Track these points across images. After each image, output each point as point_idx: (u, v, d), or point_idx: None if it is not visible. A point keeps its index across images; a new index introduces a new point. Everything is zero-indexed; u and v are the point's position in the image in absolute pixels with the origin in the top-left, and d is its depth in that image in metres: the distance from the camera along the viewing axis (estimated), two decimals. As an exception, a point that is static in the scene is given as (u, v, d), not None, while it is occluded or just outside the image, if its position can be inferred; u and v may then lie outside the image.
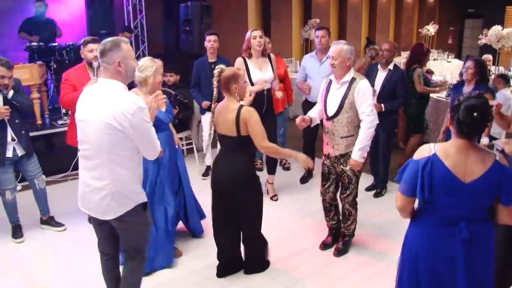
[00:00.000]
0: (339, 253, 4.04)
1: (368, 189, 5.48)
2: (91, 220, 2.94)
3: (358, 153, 3.71)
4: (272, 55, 5.22)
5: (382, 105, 4.99)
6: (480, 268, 2.34)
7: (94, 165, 2.65)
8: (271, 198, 5.20)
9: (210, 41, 5.43)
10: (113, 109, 2.50)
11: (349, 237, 4.09)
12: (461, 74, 4.67)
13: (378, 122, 3.75)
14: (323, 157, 4.02)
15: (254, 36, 4.83)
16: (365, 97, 3.65)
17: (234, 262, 3.76)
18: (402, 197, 2.41)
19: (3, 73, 3.93)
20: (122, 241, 2.91)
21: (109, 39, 2.63)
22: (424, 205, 2.37)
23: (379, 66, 5.25)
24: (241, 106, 3.34)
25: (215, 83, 3.42)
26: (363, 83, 3.67)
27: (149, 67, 3.61)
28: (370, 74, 5.28)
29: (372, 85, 5.15)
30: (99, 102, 2.57)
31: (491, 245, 2.36)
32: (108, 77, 2.62)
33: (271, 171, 5.29)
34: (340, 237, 4.13)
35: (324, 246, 4.17)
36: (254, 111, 3.32)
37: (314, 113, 4.02)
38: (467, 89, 4.51)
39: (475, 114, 2.15)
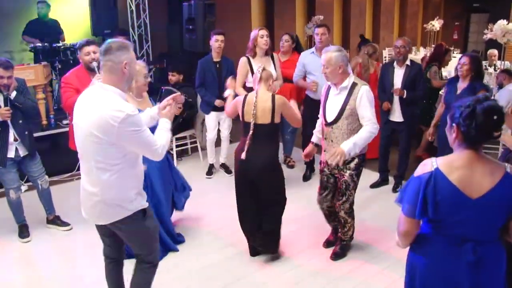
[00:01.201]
0: (336, 256, 3.99)
1: (373, 186, 5.48)
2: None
3: (350, 145, 3.48)
4: (275, 54, 5.23)
5: (405, 91, 5.05)
6: None
7: (86, 170, 2.64)
8: None
9: (218, 41, 5.42)
10: (99, 117, 2.44)
11: (347, 241, 4.03)
12: (456, 69, 4.65)
13: (379, 128, 3.71)
14: (321, 165, 3.92)
15: (262, 35, 4.87)
16: (368, 103, 3.57)
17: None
18: (408, 220, 2.12)
19: (0, 73, 3.94)
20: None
21: (115, 39, 2.59)
22: (428, 224, 2.14)
23: (395, 63, 5.24)
24: (273, 95, 3.72)
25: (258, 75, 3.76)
26: (365, 89, 3.57)
27: None
28: (386, 73, 5.30)
29: (391, 84, 5.17)
30: (89, 108, 2.53)
31: (501, 271, 2.14)
32: (107, 80, 2.54)
33: None
34: (338, 240, 4.08)
35: (328, 244, 4.18)
36: (284, 97, 3.79)
37: (317, 131, 4.00)
38: (461, 85, 4.48)
39: (495, 117, 1.95)
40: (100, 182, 2.57)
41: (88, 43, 4.32)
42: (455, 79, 4.62)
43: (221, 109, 5.43)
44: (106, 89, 2.52)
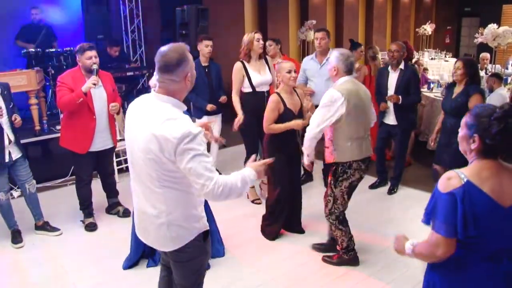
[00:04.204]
0: (326, 262, 3.97)
1: (372, 186, 5.54)
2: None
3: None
4: (268, 57, 5.24)
5: (400, 97, 5.06)
6: None
7: (144, 190, 2.33)
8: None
9: (208, 46, 5.43)
10: (157, 132, 2.13)
11: (341, 253, 3.90)
12: (452, 75, 4.67)
13: (314, 137, 3.63)
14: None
15: (258, 38, 4.86)
16: (320, 106, 3.57)
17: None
18: (447, 241, 1.92)
19: None
20: (175, 276, 2.55)
21: (171, 49, 2.23)
22: (461, 244, 1.94)
23: (389, 68, 5.28)
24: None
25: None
26: (327, 92, 3.57)
27: None
28: (381, 77, 5.35)
29: (386, 88, 5.21)
30: (144, 122, 2.22)
31: None
32: (165, 93, 2.24)
33: None
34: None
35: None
36: (273, 97, 4.09)
37: None
38: (458, 89, 4.47)
39: None
40: (166, 200, 2.27)
41: (90, 48, 4.39)
42: (453, 84, 4.63)
43: (212, 113, 5.44)
44: (163, 100, 2.23)
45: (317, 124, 3.55)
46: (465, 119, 2.01)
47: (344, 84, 3.55)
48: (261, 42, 4.88)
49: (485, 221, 1.89)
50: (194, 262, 2.47)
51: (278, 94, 4.12)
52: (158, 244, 2.42)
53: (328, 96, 3.51)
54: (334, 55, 3.59)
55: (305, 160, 3.78)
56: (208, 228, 2.46)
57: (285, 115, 4.07)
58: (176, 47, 2.24)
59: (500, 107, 1.91)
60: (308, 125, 3.70)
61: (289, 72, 4.04)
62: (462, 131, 2.03)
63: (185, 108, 2.33)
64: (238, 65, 4.90)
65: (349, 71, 3.59)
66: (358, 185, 3.80)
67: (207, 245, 2.50)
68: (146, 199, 2.34)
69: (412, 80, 5.17)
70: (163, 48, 2.24)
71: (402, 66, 5.20)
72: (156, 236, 2.37)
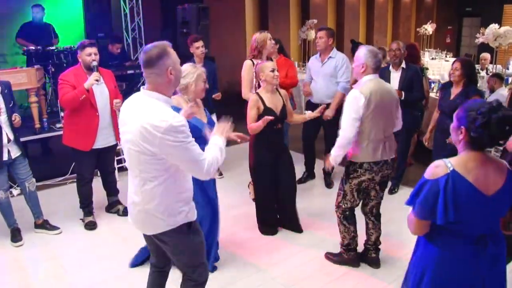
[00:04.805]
0: (328, 259, 3.97)
1: None
2: None
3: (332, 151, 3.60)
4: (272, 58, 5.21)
5: (402, 92, 4.98)
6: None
7: (131, 179, 2.53)
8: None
9: (199, 48, 5.43)
10: (141, 126, 2.28)
11: (341, 251, 3.90)
12: (449, 75, 4.63)
13: (348, 142, 3.52)
14: None
15: (270, 38, 4.85)
16: (345, 109, 3.47)
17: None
18: (420, 222, 2.16)
19: None
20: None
21: (152, 45, 2.37)
22: (445, 227, 2.12)
23: (390, 68, 5.24)
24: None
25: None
26: (350, 94, 3.51)
27: (190, 73, 3.45)
28: (382, 78, 5.27)
29: None
30: (132, 117, 2.37)
31: (505, 261, 2.26)
32: (152, 87, 2.38)
33: None
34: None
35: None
36: (252, 96, 4.15)
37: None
38: (455, 90, 4.44)
39: (507, 127, 2.01)
40: (143, 192, 2.45)
41: (91, 44, 4.40)
42: (449, 84, 4.60)
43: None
44: (151, 96, 2.37)
45: (348, 129, 3.43)
46: (457, 111, 2.16)
47: (368, 84, 3.44)
48: (273, 41, 4.88)
49: (467, 208, 2.05)
50: (178, 250, 2.64)
51: (257, 93, 4.12)
52: (140, 227, 2.62)
53: (351, 97, 3.44)
54: (363, 52, 3.48)
55: (328, 165, 3.70)
56: (191, 220, 2.59)
57: (265, 114, 4.04)
58: (157, 44, 2.39)
59: (488, 103, 2.06)
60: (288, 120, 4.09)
61: (272, 71, 4.04)
62: (453, 123, 2.18)
63: (172, 102, 2.47)
64: (248, 63, 4.84)
65: (377, 68, 3.50)
66: (374, 187, 3.69)
67: (192, 235, 2.63)
68: (133, 186, 2.54)
69: (415, 79, 5.13)
70: (146, 46, 2.40)
71: (403, 65, 5.18)
72: (137, 220, 2.59)
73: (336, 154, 3.56)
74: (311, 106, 5.28)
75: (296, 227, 4.47)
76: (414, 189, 2.18)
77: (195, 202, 2.70)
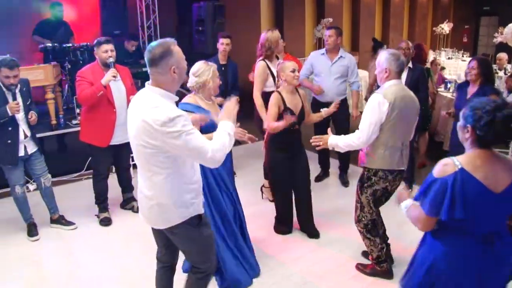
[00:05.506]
0: (359, 270, 3.82)
1: None
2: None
3: (334, 140, 3.49)
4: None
5: None
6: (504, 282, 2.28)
7: (141, 173, 2.56)
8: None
9: (223, 44, 5.39)
10: (143, 120, 2.32)
11: (374, 263, 3.72)
12: (466, 74, 4.57)
13: (363, 145, 3.44)
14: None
15: (280, 37, 4.86)
16: (366, 112, 3.35)
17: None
18: (428, 219, 2.19)
19: (6, 73, 3.99)
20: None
21: (156, 44, 2.40)
22: (453, 224, 2.15)
23: None
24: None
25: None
26: (373, 97, 3.36)
27: (206, 71, 3.44)
28: None
29: None
30: (136, 112, 2.41)
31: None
32: (156, 85, 2.41)
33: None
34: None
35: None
36: (274, 94, 4.10)
37: None
38: (471, 89, 4.38)
39: None
40: (154, 185, 2.48)
41: (107, 41, 4.44)
42: (465, 84, 4.54)
43: None
44: (154, 92, 2.41)
45: (367, 133, 3.32)
46: (463, 110, 2.18)
47: (392, 89, 3.30)
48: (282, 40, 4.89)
49: (475, 205, 2.08)
50: (189, 244, 2.68)
51: (279, 92, 4.10)
52: (153, 221, 2.64)
53: (373, 101, 3.30)
54: (384, 57, 3.34)
55: (323, 144, 3.55)
56: (200, 213, 2.64)
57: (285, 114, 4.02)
58: (161, 42, 2.42)
59: (493, 101, 2.09)
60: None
61: (293, 71, 4.02)
62: (460, 122, 2.20)
63: (176, 98, 2.49)
64: (263, 64, 4.81)
65: (400, 71, 3.38)
66: (388, 199, 3.62)
67: (202, 228, 2.67)
68: (143, 181, 2.57)
69: (421, 79, 5.07)
70: (151, 44, 2.43)
71: (410, 64, 5.12)
72: (149, 214, 2.60)
73: (339, 147, 3.47)
74: (319, 105, 5.13)
75: (312, 231, 4.38)
76: (422, 186, 2.22)
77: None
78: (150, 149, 2.37)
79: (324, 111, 4.29)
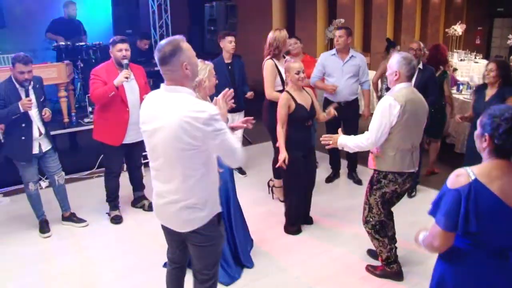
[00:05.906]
0: (369, 271, 3.80)
1: None
2: (162, 227, 2.73)
3: (344, 140, 3.49)
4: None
5: None
6: None
7: (167, 177, 2.46)
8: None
9: (231, 42, 5.40)
10: (181, 120, 2.26)
11: (384, 265, 3.71)
12: (483, 77, 4.53)
13: (371, 146, 3.42)
14: None
15: (288, 36, 4.88)
16: (376, 114, 3.34)
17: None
18: (445, 234, 2.03)
19: (21, 68, 4.03)
20: (194, 261, 2.69)
21: (165, 42, 2.37)
22: (467, 239, 2.04)
23: None
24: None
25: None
26: (384, 99, 3.35)
27: (202, 69, 3.40)
28: None
29: None
30: (166, 112, 2.33)
31: None
32: (173, 84, 2.38)
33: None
34: None
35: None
36: (283, 94, 4.16)
37: None
38: (490, 92, 4.34)
39: None
40: (184, 188, 2.43)
41: (122, 40, 4.44)
42: (483, 86, 4.49)
43: (233, 110, 5.39)
44: (176, 90, 2.37)
45: (376, 136, 3.31)
46: (481, 118, 2.07)
47: (402, 91, 3.29)
48: (297, 41, 4.92)
49: (489, 219, 1.95)
50: (211, 243, 2.61)
51: (288, 92, 4.12)
52: (177, 226, 2.58)
53: (384, 103, 3.28)
54: (396, 59, 3.33)
55: (333, 143, 3.56)
56: (220, 210, 2.63)
57: (297, 111, 4.08)
58: (170, 40, 2.40)
59: None
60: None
61: (298, 73, 4.04)
62: (477, 130, 2.09)
63: (195, 94, 2.47)
64: (271, 63, 4.82)
65: (411, 75, 3.37)
66: (400, 199, 3.62)
67: (222, 227, 2.68)
68: (166, 186, 2.48)
69: (431, 81, 5.01)
70: (160, 43, 2.40)
71: (420, 65, 5.06)
72: (175, 219, 2.54)
73: (349, 147, 3.46)
74: (328, 104, 5.11)
75: (308, 219, 4.60)
76: (435, 198, 2.10)
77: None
78: (190, 151, 2.32)
79: (327, 112, 4.30)
